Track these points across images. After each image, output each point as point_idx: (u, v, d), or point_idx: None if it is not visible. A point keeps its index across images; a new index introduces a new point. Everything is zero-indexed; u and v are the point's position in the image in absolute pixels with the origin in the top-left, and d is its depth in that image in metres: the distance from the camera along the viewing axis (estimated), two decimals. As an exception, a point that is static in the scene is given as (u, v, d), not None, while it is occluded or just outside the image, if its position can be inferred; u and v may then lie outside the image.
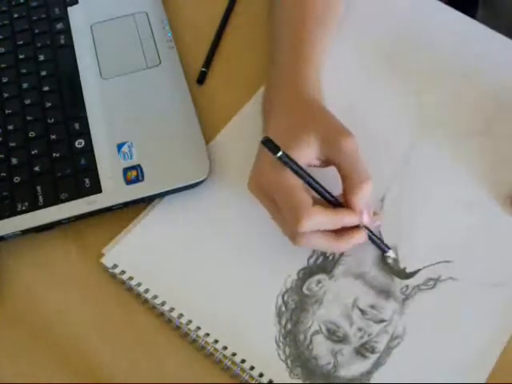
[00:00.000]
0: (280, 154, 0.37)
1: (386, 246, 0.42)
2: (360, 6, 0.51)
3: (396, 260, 0.42)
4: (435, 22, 0.51)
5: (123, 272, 0.42)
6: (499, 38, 0.50)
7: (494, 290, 0.41)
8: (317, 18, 0.46)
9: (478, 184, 0.44)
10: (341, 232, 0.40)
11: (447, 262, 0.41)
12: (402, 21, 0.51)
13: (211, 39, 0.51)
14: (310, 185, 0.39)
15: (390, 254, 0.42)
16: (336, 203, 0.40)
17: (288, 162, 0.38)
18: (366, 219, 0.39)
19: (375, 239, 0.41)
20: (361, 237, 0.40)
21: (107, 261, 0.42)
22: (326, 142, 0.39)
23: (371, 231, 0.41)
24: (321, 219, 0.38)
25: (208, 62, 0.50)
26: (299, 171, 0.38)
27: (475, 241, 0.42)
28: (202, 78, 0.50)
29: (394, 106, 0.47)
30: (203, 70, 0.50)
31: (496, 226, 0.43)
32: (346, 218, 0.39)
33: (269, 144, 0.37)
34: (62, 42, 0.51)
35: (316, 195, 0.39)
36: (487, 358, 0.38)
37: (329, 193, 0.40)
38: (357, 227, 0.40)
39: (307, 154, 0.39)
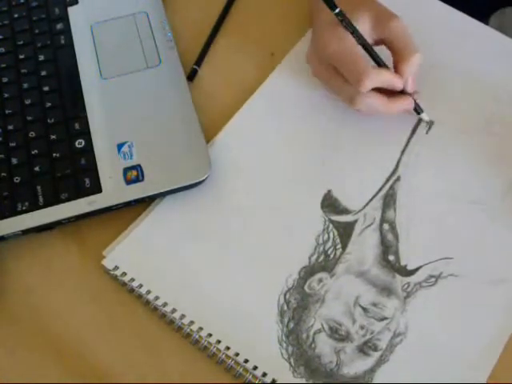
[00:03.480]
0: (337, 10, 0.40)
1: (421, 109, 0.44)
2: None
3: (397, 257, 0.40)
4: (434, 20, 0.49)
5: (124, 274, 0.40)
6: (499, 37, 0.48)
7: (495, 287, 0.39)
8: None
9: (478, 181, 0.43)
10: (391, 97, 0.43)
11: (448, 258, 0.40)
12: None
13: (211, 39, 0.50)
14: (363, 45, 0.42)
15: (424, 116, 0.44)
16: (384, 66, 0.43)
17: (344, 19, 0.41)
18: (411, 86, 0.43)
19: (415, 105, 0.44)
20: (409, 102, 0.43)
21: (108, 263, 0.40)
22: (377, 21, 0.42)
23: (414, 100, 0.44)
24: (379, 78, 0.41)
25: (200, 60, 0.48)
26: (354, 30, 0.41)
27: (476, 237, 0.41)
28: (192, 75, 0.48)
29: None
30: (194, 67, 0.48)
31: (496, 222, 0.41)
32: (395, 78, 0.42)
33: (328, 0, 0.40)
34: (62, 42, 0.49)
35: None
36: (488, 357, 0.37)
37: (379, 56, 0.43)
38: (403, 95, 0.43)
39: (362, 30, 0.42)
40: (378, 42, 0.43)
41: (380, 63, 0.42)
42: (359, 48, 0.42)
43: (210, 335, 0.38)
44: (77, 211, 0.41)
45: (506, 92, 0.46)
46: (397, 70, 0.42)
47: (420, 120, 0.45)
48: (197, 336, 0.38)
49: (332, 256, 0.40)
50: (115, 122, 0.45)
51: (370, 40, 0.43)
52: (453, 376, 0.37)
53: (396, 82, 0.42)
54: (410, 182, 0.43)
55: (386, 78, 0.42)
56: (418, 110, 0.44)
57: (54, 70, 0.47)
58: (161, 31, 0.49)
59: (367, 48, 0.42)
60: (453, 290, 0.39)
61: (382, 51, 0.43)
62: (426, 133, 0.44)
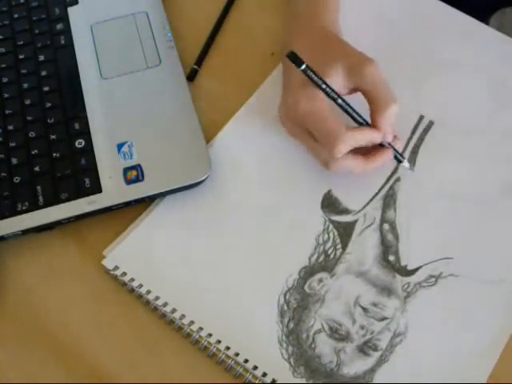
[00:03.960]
0: (303, 66, 0.37)
1: (402, 156, 0.42)
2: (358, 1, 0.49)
3: (398, 258, 0.40)
4: (434, 20, 0.49)
5: (124, 274, 0.40)
6: (500, 37, 0.48)
7: (495, 287, 0.39)
8: None
9: (478, 181, 0.42)
10: (369, 153, 0.40)
11: (448, 258, 0.40)
12: (400, 19, 0.49)
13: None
14: (335, 101, 0.39)
15: (405, 164, 0.42)
16: (359, 121, 0.40)
17: (311, 75, 0.38)
18: (390, 138, 0.40)
19: (397, 155, 0.42)
20: (388, 155, 0.41)
21: (108, 263, 0.40)
22: (351, 69, 0.40)
23: (394, 148, 0.41)
24: (353, 141, 0.39)
25: (200, 60, 0.48)
26: (323, 86, 0.38)
27: (476, 237, 0.40)
28: (192, 75, 0.47)
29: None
30: (194, 67, 0.48)
31: (496, 222, 0.41)
32: (372, 135, 0.40)
33: (293, 57, 0.37)
34: (62, 42, 0.49)
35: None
36: (488, 357, 0.37)
37: (352, 109, 0.40)
38: (382, 148, 0.41)
39: (335, 82, 0.39)
40: (355, 90, 0.40)
41: (356, 119, 0.40)
42: (332, 105, 0.39)
43: (210, 335, 0.38)
44: (77, 211, 0.41)
45: (506, 92, 0.45)
46: (373, 121, 0.40)
47: (420, 120, 0.45)
48: (197, 336, 0.38)
49: (332, 256, 0.40)
50: (115, 122, 0.44)
51: (344, 90, 0.40)
52: (453, 376, 0.36)
53: (373, 138, 0.39)
54: (409, 182, 0.42)
55: (361, 138, 0.39)
56: (398, 158, 0.42)
57: (54, 70, 0.47)
58: (161, 31, 0.48)
59: (340, 105, 0.39)
60: (453, 289, 0.38)
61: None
62: (412, 171, 0.42)
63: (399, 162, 0.42)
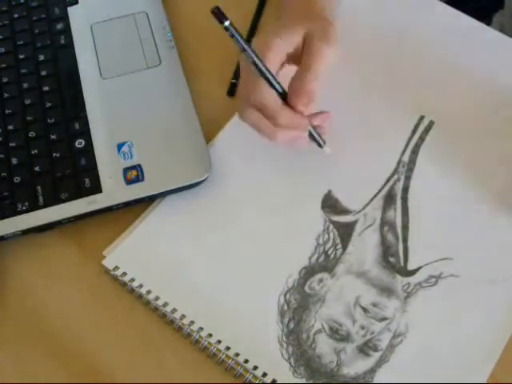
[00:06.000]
0: (227, 23, 0.36)
1: (323, 141, 0.42)
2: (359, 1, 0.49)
3: (398, 258, 0.40)
4: (435, 20, 0.49)
5: (124, 274, 0.40)
6: (500, 37, 0.48)
7: (495, 287, 0.39)
8: None
9: (478, 181, 0.42)
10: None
11: (448, 259, 0.40)
12: (401, 20, 0.49)
13: (211, 38, 0.48)
14: (257, 67, 0.38)
15: (326, 149, 0.42)
16: (281, 94, 0.39)
17: (233, 32, 0.37)
18: (307, 105, 0.39)
19: (314, 134, 0.41)
20: (301, 125, 0.40)
21: (108, 263, 0.40)
22: (312, 40, 0.39)
23: (314, 132, 0.41)
24: (266, 97, 0.38)
25: (237, 73, 0.47)
26: (245, 47, 0.37)
27: (476, 237, 0.41)
28: (232, 91, 0.46)
29: (393, 106, 0.45)
30: (233, 81, 0.47)
31: (496, 222, 0.41)
32: (287, 110, 0.39)
33: (217, 12, 0.35)
34: (62, 41, 0.49)
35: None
36: (488, 357, 0.37)
37: (277, 81, 0.39)
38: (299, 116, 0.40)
39: (291, 40, 0.40)
40: (294, 61, 0.40)
41: (276, 89, 0.39)
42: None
43: (211, 335, 0.38)
44: (77, 211, 0.41)
45: (506, 92, 0.45)
46: (291, 88, 0.39)
47: (421, 120, 0.45)
48: (197, 336, 0.38)
49: (332, 256, 0.40)
50: (115, 121, 0.45)
51: (291, 50, 0.40)
52: (453, 376, 0.36)
53: (289, 114, 0.38)
54: (410, 183, 0.42)
55: (276, 106, 0.38)
56: (317, 141, 0.41)
57: (53, 70, 0.47)
58: (161, 31, 0.49)
59: (261, 70, 0.38)
60: (453, 290, 0.39)
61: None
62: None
63: (320, 146, 0.41)
